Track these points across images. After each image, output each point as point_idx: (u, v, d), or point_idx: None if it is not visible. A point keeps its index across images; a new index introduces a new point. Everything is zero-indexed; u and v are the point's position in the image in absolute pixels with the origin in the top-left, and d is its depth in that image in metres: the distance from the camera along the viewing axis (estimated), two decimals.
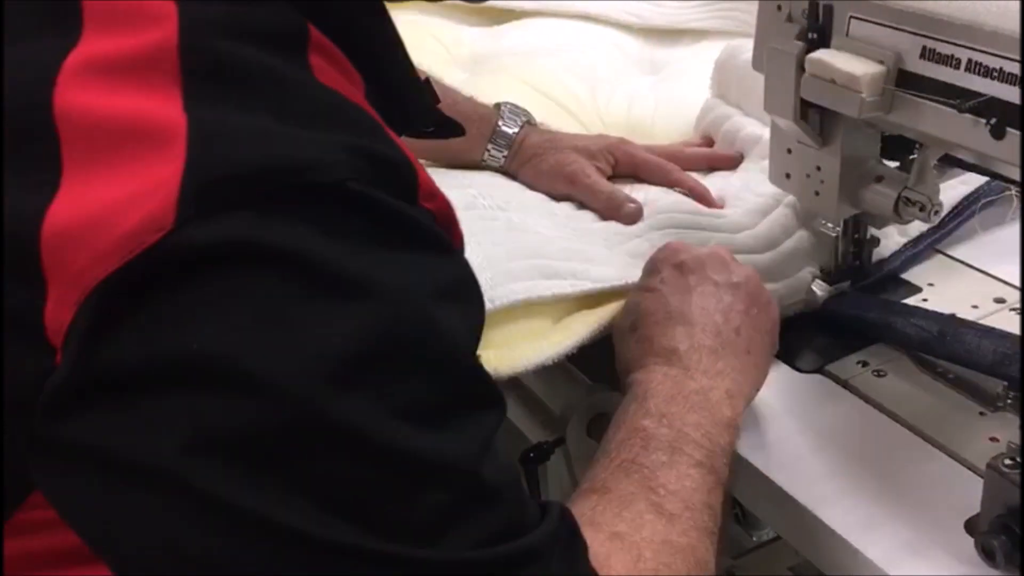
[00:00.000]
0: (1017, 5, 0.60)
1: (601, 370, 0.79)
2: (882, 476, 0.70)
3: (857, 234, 0.84)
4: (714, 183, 0.96)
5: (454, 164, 0.99)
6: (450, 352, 0.48)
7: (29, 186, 0.44)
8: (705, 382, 0.67)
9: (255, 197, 0.44)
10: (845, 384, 0.78)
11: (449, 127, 0.69)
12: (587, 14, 1.29)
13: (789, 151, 0.80)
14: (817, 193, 0.79)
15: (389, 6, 0.60)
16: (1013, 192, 0.93)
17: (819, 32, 0.71)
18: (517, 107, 1.00)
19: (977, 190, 0.92)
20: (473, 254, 0.75)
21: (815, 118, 0.74)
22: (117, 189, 0.43)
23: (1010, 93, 0.61)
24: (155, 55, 0.46)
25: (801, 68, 0.71)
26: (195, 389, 0.43)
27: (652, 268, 0.75)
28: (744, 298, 0.72)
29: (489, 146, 0.97)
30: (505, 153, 0.97)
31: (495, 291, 0.76)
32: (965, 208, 0.92)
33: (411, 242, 0.48)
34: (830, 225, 0.82)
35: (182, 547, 0.44)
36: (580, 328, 0.76)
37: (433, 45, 1.26)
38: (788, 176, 0.81)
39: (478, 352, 0.56)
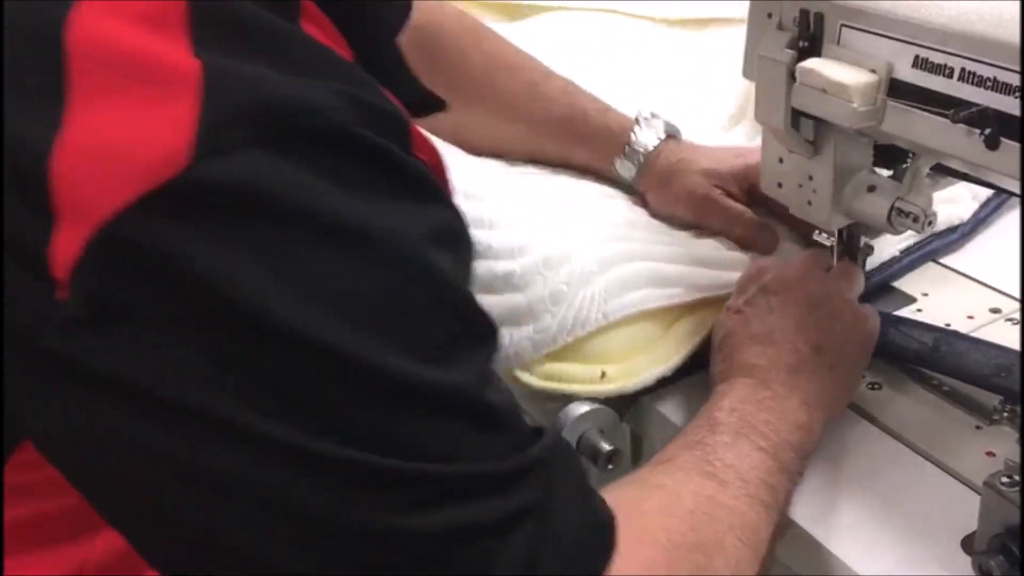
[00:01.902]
0: (1013, 14, 0.59)
1: None
2: (876, 491, 0.69)
3: (851, 244, 0.82)
4: None
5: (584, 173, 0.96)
6: (446, 291, 0.51)
7: (35, 113, 0.45)
8: (780, 391, 0.69)
9: (266, 137, 0.45)
10: None
11: (430, 103, 0.71)
12: (606, 7, 1.27)
13: (781, 160, 0.79)
14: (810, 203, 0.78)
15: None
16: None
17: (810, 40, 0.70)
18: (657, 118, 0.93)
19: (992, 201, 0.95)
20: (588, 256, 0.79)
21: (807, 127, 0.73)
22: (132, 124, 0.44)
23: (1004, 103, 0.59)
24: (163, 8, 0.47)
25: (792, 77, 0.70)
26: (203, 325, 0.45)
27: (739, 288, 0.77)
28: (825, 316, 0.73)
29: (620, 159, 0.92)
30: (635, 169, 0.91)
31: (609, 304, 0.78)
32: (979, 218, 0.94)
33: (407, 187, 0.50)
34: (824, 235, 0.81)
35: (190, 468, 0.46)
36: (692, 337, 0.79)
37: None
38: (780, 185, 0.80)
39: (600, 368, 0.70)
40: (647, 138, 0.91)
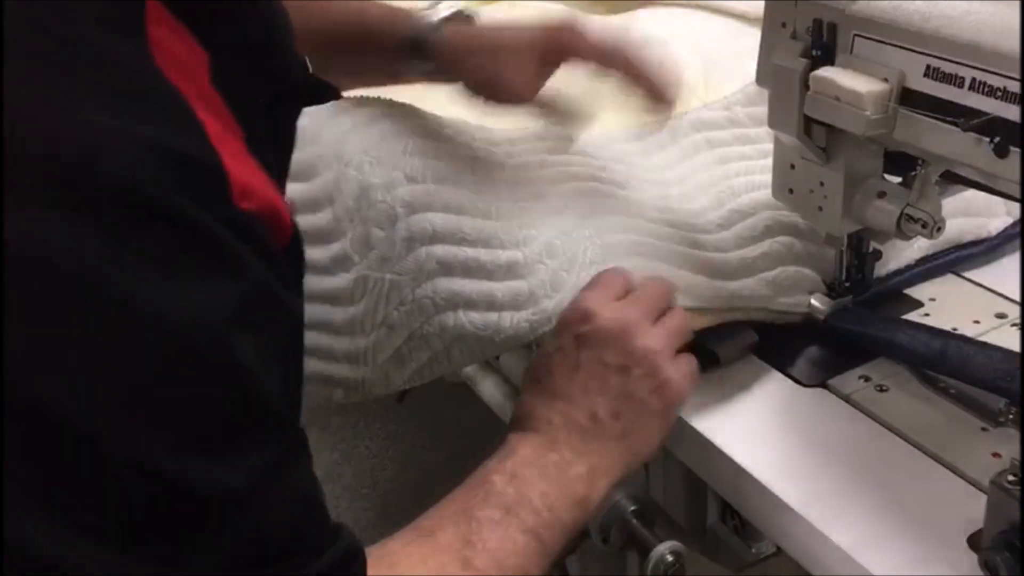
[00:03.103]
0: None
1: None
2: (885, 491, 0.70)
3: (860, 249, 0.84)
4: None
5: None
6: (236, 383, 0.47)
7: None
8: (568, 456, 0.68)
9: (42, 197, 0.42)
10: (847, 399, 0.78)
11: (324, 91, 0.68)
12: (703, 3, 1.27)
13: (792, 167, 0.80)
14: (820, 208, 0.79)
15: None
16: None
17: (823, 50, 0.72)
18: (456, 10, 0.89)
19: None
20: (592, 247, 0.80)
21: (819, 134, 0.75)
22: None
23: (1013, 112, 0.61)
24: None
25: (805, 85, 0.72)
26: None
27: (557, 329, 0.75)
28: (631, 383, 0.71)
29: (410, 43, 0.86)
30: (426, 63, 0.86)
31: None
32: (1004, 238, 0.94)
33: (209, 260, 0.46)
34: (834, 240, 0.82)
35: None
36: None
37: None
38: (791, 191, 0.82)
39: None
40: (433, 15, 0.87)
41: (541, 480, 0.66)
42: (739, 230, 0.88)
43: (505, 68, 0.85)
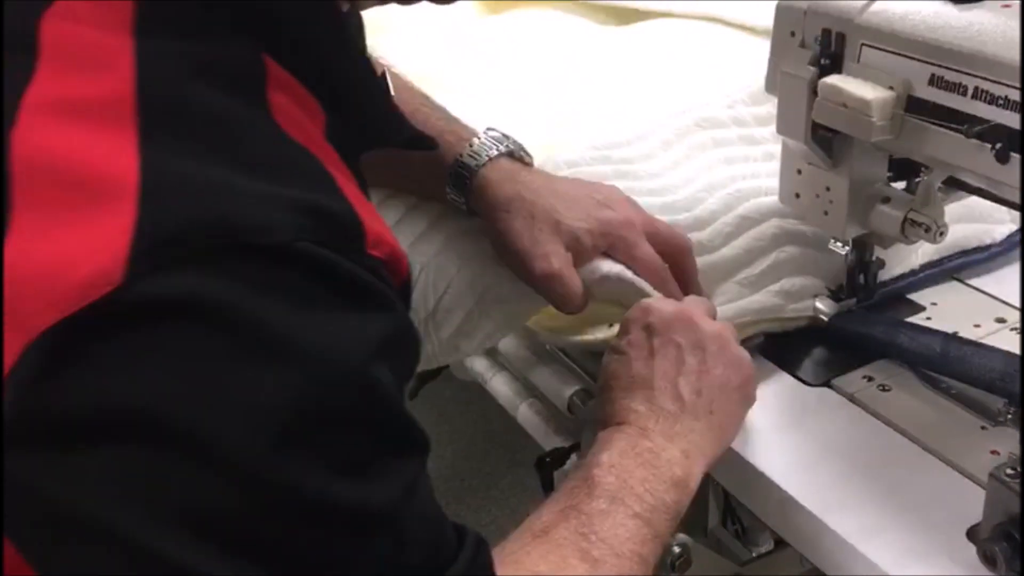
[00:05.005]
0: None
1: None
2: (887, 486, 0.72)
3: (865, 253, 0.86)
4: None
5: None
6: (381, 408, 0.50)
7: None
8: (660, 442, 0.69)
9: (202, 255, 0.45)
10: (851, 398, 0.80)
11: (418, 140, 0.69)
12: (712, 15, 1.28)
13: (799, 172, 0.83)
14: (826, 213, 0.81)
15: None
16: None
17: (832, 58, 0.74)
18: (505, 138, 0.82)
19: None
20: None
21: (826, 140, 0.77)
22: (69, 239, 0.45)
23: (1014, 119, 0.63)
24: (111, 100, 0.47)
25: (814, 92, 0.74)
26: (131, 443, 0.45)
27: (623, 328, 0.76)
28: (708, 359, 0.73)
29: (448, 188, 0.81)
30: (463, 189, 0.80)
31: None
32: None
33: (351, 301, 0.49)
34: (839, 244, 0.84)
35: None
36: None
37: (569, 47, 1.28)
38: (798, 196, 0.84)
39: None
40: (482, 151, 0.80)
41: (639, 468, 0.67)
42: (747, 241, 0.89)
43: (539, 236, 0.77)
